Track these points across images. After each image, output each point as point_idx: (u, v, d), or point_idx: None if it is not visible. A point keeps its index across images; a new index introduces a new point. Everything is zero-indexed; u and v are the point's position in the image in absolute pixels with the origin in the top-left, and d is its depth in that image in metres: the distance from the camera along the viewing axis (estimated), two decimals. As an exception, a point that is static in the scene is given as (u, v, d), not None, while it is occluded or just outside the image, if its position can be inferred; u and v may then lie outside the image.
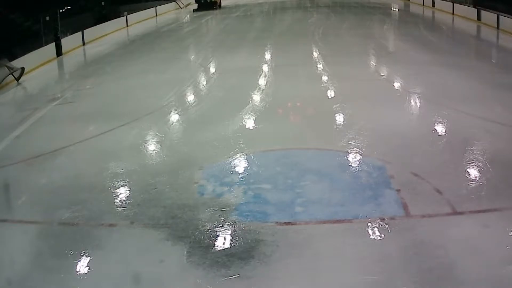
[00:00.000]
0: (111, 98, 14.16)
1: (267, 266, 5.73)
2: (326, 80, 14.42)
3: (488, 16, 23.72)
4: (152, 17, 35.07)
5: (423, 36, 22.34)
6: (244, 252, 6.00)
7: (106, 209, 7.32)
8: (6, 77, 16.47)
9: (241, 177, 8.14)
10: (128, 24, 30.84)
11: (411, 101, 12.17)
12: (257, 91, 13.48)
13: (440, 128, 10.01)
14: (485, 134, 9.42)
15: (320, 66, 16.35)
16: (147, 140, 10.23)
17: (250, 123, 10.89)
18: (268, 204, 7.17)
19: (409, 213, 6.71)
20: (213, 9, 37.98)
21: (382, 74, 15.24)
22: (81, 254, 6.14)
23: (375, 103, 11.77)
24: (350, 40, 21.59)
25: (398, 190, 7.32)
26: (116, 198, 7.71)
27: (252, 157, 8.90)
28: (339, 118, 10.93)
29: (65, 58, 21.63)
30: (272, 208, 7.05)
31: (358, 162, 8.54)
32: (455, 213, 6.69)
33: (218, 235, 6.43)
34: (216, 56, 19.59)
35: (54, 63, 20.78)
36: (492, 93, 12.23)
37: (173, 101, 12.99)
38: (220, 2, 40.03)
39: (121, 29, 29.64)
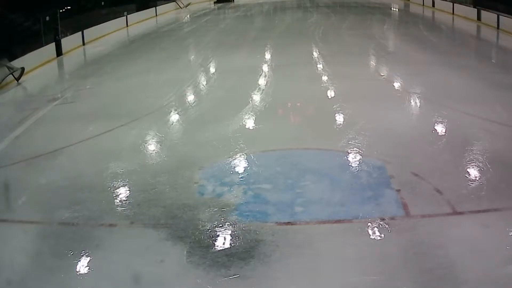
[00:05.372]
0: (111, 98, 14.16)
1: (267, 266, 5.73)
2: (326, 80, 14.43)
3: (488, 16, 23.72)
4: (152, 17, 35.07)
5: (423, 36, 22.33)
6: (244, 252, 5.99)
7: (106, 209, 7.32)
8: (6, 77, 16.46)
9: (241, 177, 8.14)
10: (128, 24, 30.85)
11: (411, 101, 12.17)
12: (257, 91, 13.49)
13: (440, 128, 10.01)
14: (485, 134, 9.42)
15: (320, 66, 16.36)
16: (147, 140, 10.23)
17: (250, 123, 10.89)
18: (268, 204, 7.17)
19: (409, 213, 6.71)
20: (230, 1, 43.72)
21: (382, 74, 15.25)
22: (81, 254, 6.14)
23: (375, 103, 11.77)
24: (350, 40, 21.60)
25: (398, 190, 7.32)
26: (116, 198, 7.71)
27: (252, 157, 8.89)
28: (339, 118, 10.93)
29: (65, 58, 21.62)
30: (272, 208, 7.05)
31: (358, 162, 8.54)
32: (455, 213, 6.69)
33: (218, 235, 6.43)
34: (216, 56, 19.59)
35: (54, 63, 20.76)
36: (492, 93, 12.23)
37: (173, 101, 12.99)
38: None
39: (121, 29, 29.64)
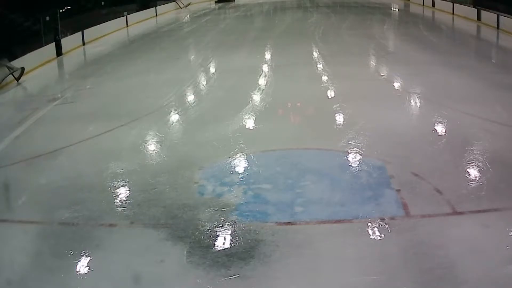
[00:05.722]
0: (111, 98, 14.16)
1: (267, 266, 5.73)
2: (326, 80, 14.43)
3: (488, 16, 23.73)
4: (152, 17, 35.08)
5: (423, 36, 22.33)
6: (244, 252, 6.00)
7: (106, 209, 7.32)
8: (6, 77, 16.46)
9: (241, 177, 8.14)
10: (128, 24, 30.85)
11: (411, 101, 12.17)
12: (257, 91, 13.49)
13: (440, 128, 10.01)
14: (485, 134, 9.42)
15: (320, 66, 16.36)
16: (147, 140, 10.23)
17: (250, 123, 10.89)
18: (268, 204, 7.17)
19: (409, 213, 6.71)
20: (230, 1, 44.13)
21: (382, 74, 15.25)
22: (81, 254, 6.14)
23: (375, 103, 11.77)
24: (350, 40, 21.60)
25: (398, 190, 7.32)
26: (116, 198, 7.71)
27: (252, 157, 8.89)
28: (339, 118, 10.93)
29: (65, 58, 21.62)
30: (272, 208, 7.05)
31: (358, 162, 8.54)
32: (455, 213, 6.69)
33: (218, 235, 6.43)
34: (216, 56, 19.59)
35: (54, 63, 20.76)
36: (492, 93, 12.23)
37: (173, 101, 12.99)
38: None
39: (121, 29, 29.64)
